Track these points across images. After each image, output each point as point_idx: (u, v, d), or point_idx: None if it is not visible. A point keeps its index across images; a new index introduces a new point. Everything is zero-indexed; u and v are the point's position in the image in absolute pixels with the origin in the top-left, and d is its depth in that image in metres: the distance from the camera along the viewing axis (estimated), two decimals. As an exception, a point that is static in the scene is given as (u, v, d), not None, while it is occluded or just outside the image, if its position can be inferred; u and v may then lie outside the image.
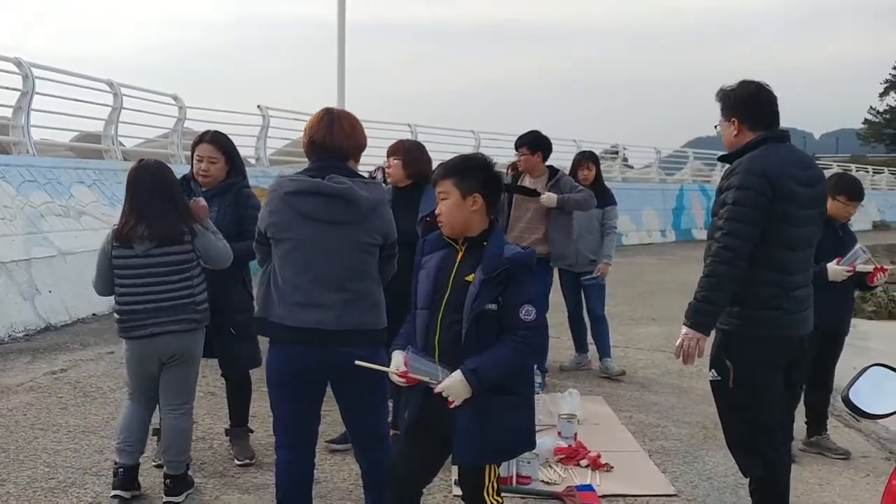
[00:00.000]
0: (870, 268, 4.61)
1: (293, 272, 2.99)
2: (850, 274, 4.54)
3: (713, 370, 3.30)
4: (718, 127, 3.37)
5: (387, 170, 4.62)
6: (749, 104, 3.27)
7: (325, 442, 4.26)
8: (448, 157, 3.07)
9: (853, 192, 4.72)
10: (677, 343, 3.22)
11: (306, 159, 3.18)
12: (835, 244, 4.60)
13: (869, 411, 2.00)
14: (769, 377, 3.29)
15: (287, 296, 2.99)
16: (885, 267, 4.73)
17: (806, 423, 4.78)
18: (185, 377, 3.74)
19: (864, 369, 2.04)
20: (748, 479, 3.38)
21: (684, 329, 3.21)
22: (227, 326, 4.12)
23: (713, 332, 3.27)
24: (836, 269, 4.51)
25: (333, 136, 3.07)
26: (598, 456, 4.31)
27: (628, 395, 5.82)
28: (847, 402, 2.00)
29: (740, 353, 3.22)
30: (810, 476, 4.34)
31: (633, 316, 9.10)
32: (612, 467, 4.26)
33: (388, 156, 4.56)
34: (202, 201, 3.87)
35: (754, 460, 3.30)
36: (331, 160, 3.06)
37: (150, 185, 3.62)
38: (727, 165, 3.33)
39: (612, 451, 4.45)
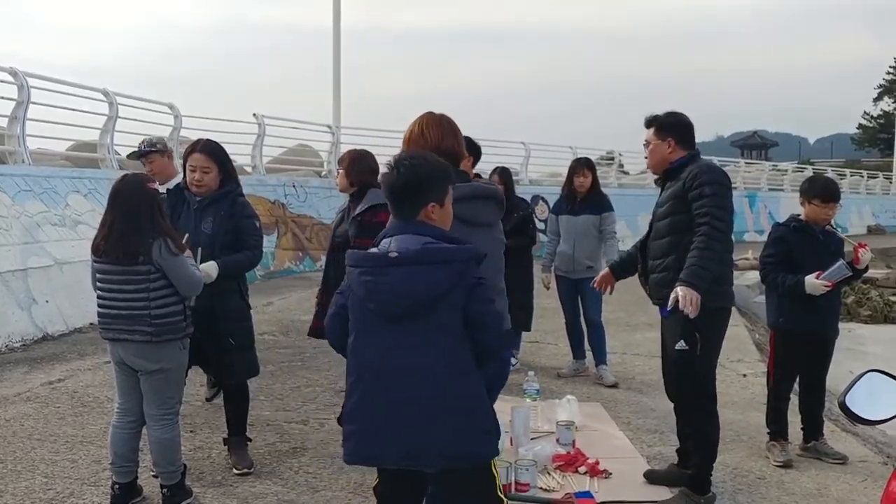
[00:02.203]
0: (850, 249, 4.55)
1: None
2: (828, 289, 4.46)
3: (682, 341, 3.79)
4: (650, 145, 3.96)
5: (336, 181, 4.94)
6: (682, 128, 3.93)
7: None
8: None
9: (827, 193, 4.60)
10: (681, 296, 3.55)
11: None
12: (814, 250, 4.55)
13: (865, 417, 2.01)
14: (720, 344, 3.93)
15: None
16: (864, 243, 4.68)
17: (802, 428, 4.78)
18: (159, 388, 3.69)
19: (860, 375, 2.04)
20: (683, 435, 4.07)
21: (684, 288, 3.57)
22: (224, 336, 4.13)
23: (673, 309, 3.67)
24: (814, 283, 4.45)
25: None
26: (597, 462, 4.32)
27: (626, 402, 5.82)
28: (843, 408, 2.00)
29: (708, 325, 3.74)
30: (808, 481, 4.34)
31: (630, 322, 9.09)
32: (611, 474, 4.26)
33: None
34: (185, 239, 3.82)
35: (698, 415, 3.90)
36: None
37: (121, 203, 3.61)
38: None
39: (611, 457, 4.45)
